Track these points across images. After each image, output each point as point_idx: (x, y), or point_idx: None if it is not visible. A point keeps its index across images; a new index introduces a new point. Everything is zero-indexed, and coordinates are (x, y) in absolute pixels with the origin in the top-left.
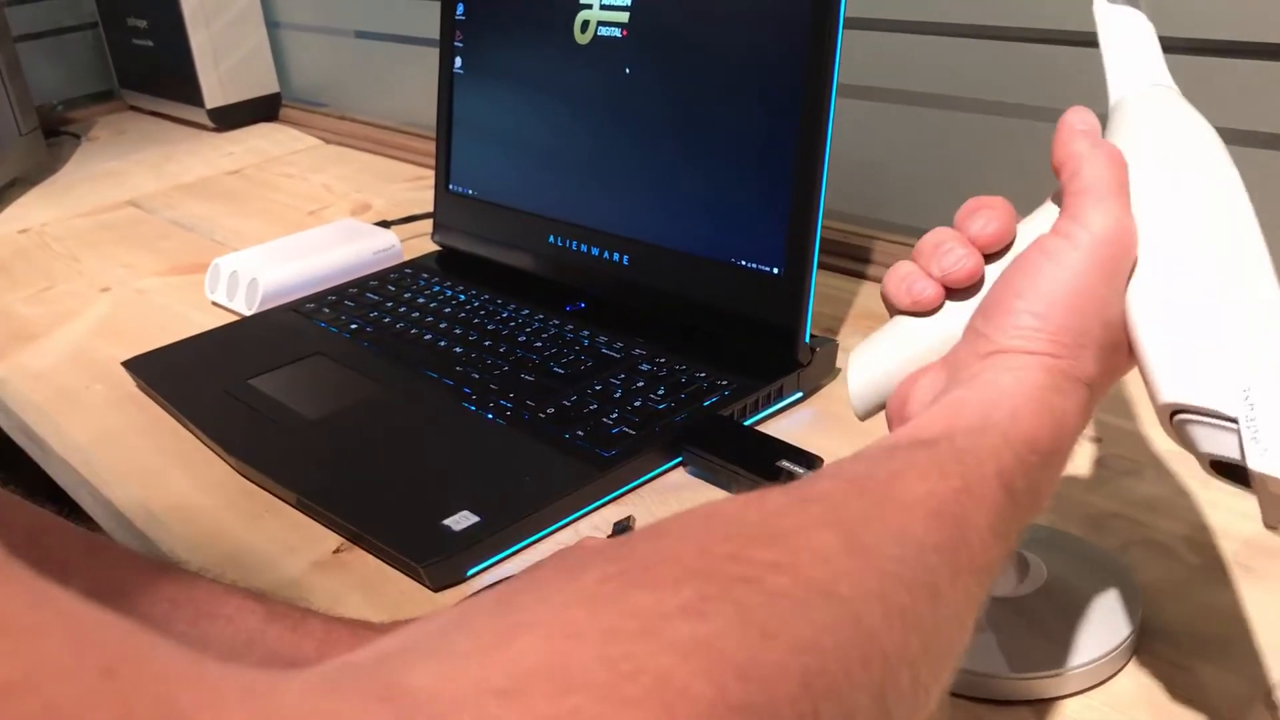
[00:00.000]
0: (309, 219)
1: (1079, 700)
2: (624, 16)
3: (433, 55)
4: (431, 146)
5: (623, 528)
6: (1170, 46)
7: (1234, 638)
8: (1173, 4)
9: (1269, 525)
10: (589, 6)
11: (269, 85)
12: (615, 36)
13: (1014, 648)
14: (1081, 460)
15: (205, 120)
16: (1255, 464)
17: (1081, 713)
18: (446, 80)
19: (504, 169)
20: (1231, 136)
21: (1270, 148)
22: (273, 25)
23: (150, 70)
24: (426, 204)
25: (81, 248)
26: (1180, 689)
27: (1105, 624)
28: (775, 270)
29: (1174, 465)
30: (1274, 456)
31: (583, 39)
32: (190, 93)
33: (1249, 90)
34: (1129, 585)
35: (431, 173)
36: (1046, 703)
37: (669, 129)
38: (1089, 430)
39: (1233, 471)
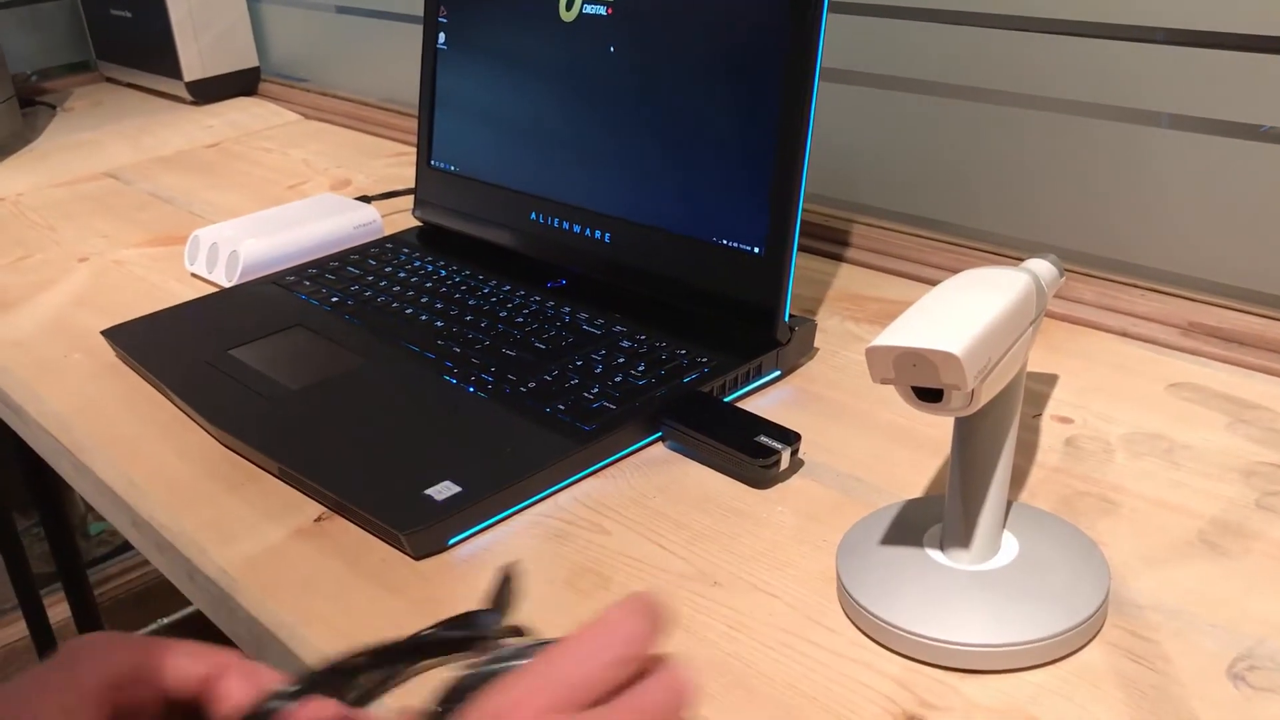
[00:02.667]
0: (288, 193)
1: (1048, 670)
2: None
3: (414, 31)
4: (412, 124)
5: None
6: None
7: (1199, 613)
8: None
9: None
10: None
11: (248, 59)
12: (600, 14)
13: (986, 619)
14: (1053, 441)
15: (183, 93)
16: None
17: (1050, 682)
18: (430, 56)
19: (486, 145)
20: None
21: (1239, 137)
22: None
23: (128, 42)
24: (406, 180)
25: (58, 218)
26: (1146, 660)
27: (1074, 597)
28: (756, 249)
29: (1142, 446)
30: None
31: (568, 16)
32: (169, 65)
33: (1222, 81)
34: (1097, 560)
35: (412, 149)
36: (1017, 672)
37: (652, 107)
38: (1060, 411)
39: (926, 395)
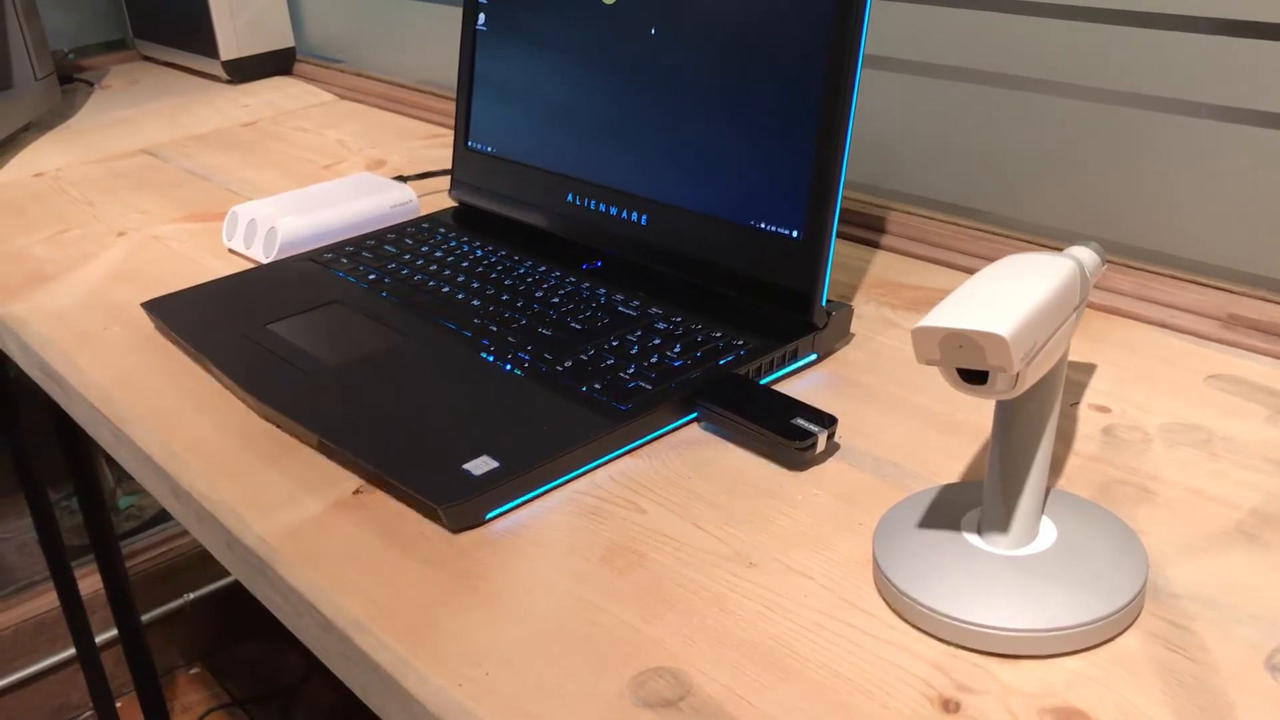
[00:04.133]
0: (324, 173)
1: (1085, 656)
2: None
3: (448, 13)
4: (446, 105)
5: None
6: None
7: (1237, 603)
8: None
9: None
10: None
11: (284, 39)
12: None
13: (1024, 604)
14: (1091, 429)
15: (219, 72)
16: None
17: (1087, 669)
18: (469, 37)
19: (524, 127)
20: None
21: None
22: None
23: (165, 20)
24: (441, 162)
25: (96, 193)
26: (1183, 649)
27: (1112, 584)
28: (794, 234)
29: (1180, 436)
30: (929, 319)
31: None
32: (205, 44)
33: (1265, 72)
34: (1135, 548)
35: (447, 131)
36: (1054, 658)
37: (692, 90)
38: (1098, 400)
39: (970, 377)
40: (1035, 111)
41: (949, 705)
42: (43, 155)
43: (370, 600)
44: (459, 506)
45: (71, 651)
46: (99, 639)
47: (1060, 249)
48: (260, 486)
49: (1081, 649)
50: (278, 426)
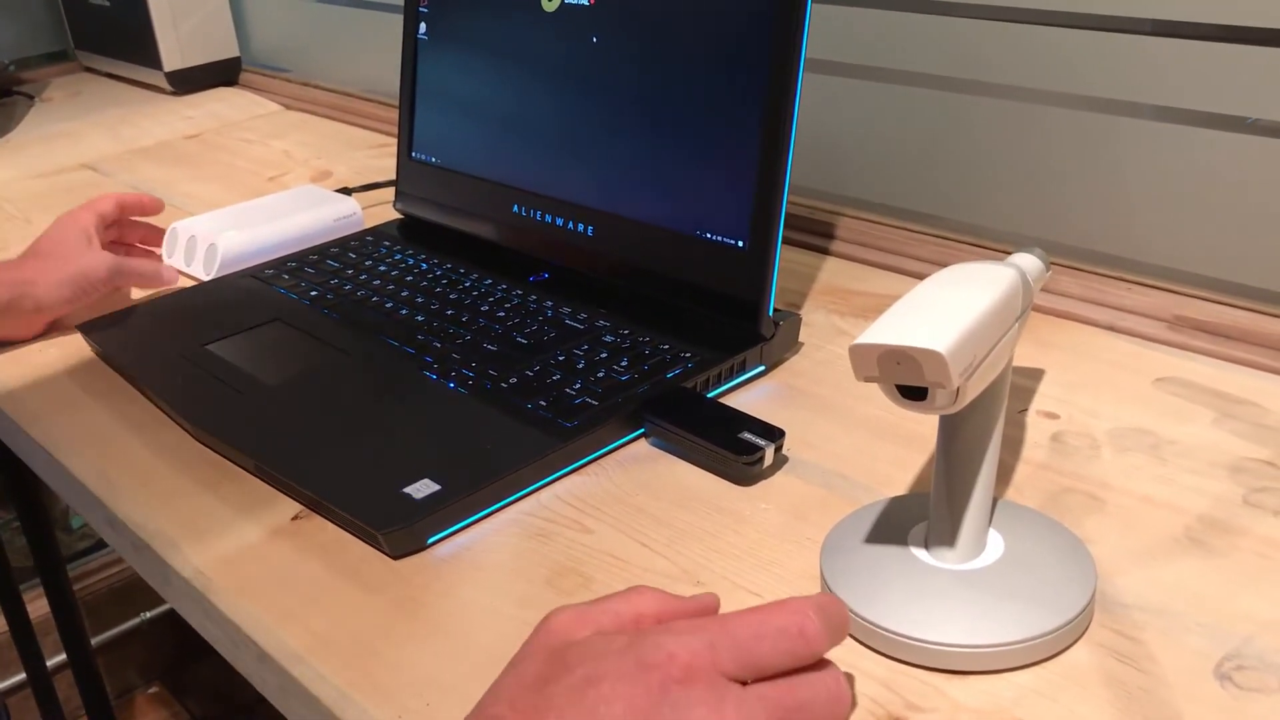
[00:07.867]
0: (269, 185)
1: (1034, 671)
2: None
3: (394, 21)
4: (393, 114)
5: None
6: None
7: (1186, 611)
8: None
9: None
10: None
11: (229, 49)
12: (582, 5)
13: (972, 619)
14: (1039, 437)
15: (163, 83)
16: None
17: (1036, 683)
18: (410, 46)
19: (468, 137)
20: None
21: (1226, 129)
22: None
23: (107, 31)
24: (388, 172)
25: (36, 210)
26: (1133, 660)
27: (1061, 596)
28: (740, 243)
29: (1128, 441)
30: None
31: (549, 6)
32: (148, 55)
33: (1210, 73)
34: (1084, 559)
35: (393, 140)
36: (1002, 673)
37: (636, 100)
38: (1047, 406)
39: (910, 393)
40: (982, 115)
41: None
42: None
43: (309, 630)
44: (399, 532)
45: (22, 676)
46: (50, 662)
47: (1009, 252)
48: (197, 514)
49: (1030, 663)
50: (215, 451)
